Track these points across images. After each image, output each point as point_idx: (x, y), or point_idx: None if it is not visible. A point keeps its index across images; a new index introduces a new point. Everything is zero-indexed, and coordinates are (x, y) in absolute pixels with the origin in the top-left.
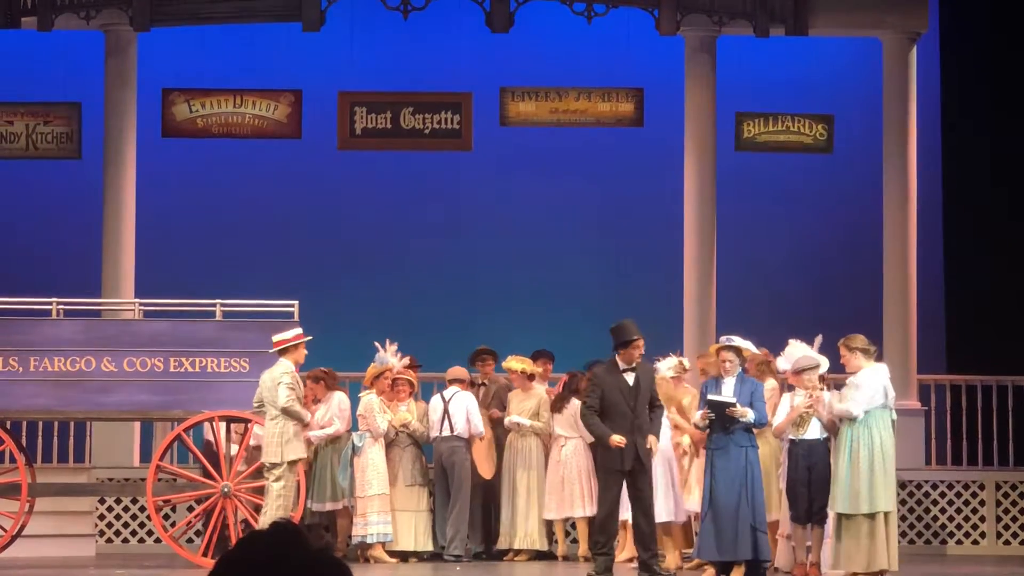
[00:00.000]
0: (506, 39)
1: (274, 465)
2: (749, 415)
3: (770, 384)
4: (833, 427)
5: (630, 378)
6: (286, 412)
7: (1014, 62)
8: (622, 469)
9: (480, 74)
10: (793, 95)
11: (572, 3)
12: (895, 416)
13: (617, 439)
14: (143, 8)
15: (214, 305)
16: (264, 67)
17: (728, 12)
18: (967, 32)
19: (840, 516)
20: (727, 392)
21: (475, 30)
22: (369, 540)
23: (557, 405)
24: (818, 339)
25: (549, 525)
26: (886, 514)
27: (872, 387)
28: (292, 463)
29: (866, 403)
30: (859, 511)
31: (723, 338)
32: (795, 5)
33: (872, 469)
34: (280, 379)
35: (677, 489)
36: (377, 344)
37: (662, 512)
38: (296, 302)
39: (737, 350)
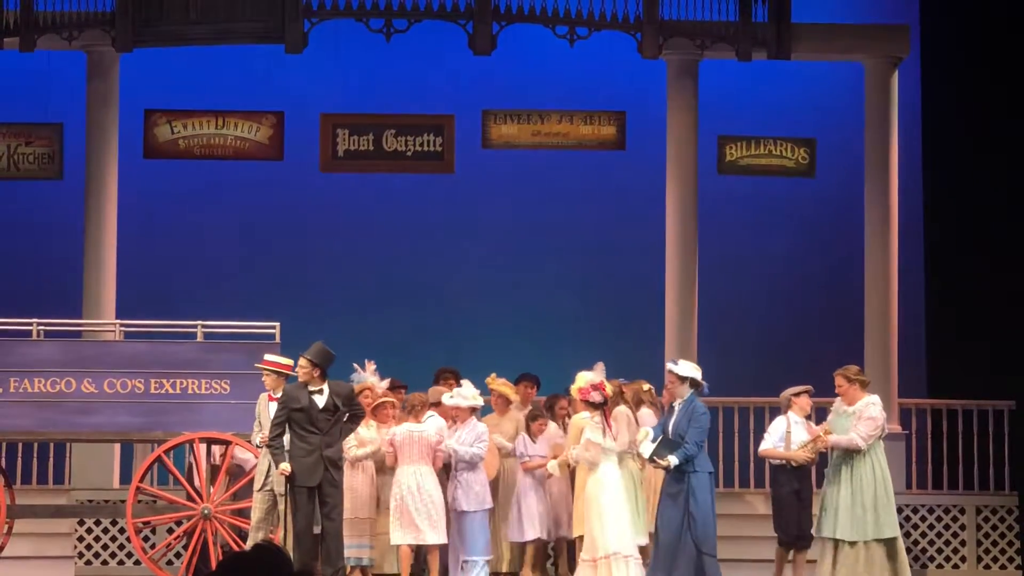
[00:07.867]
0: (488, 62)
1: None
2: (672, 460)
3: (622, 409)
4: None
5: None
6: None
7: (995, 87)
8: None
9: (462, 97)
10: (775, 119)
11: (555, 26)
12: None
13: None
14: (125, 29)
15: (195, 327)
16: (246, 89)
17: (710, 36)
18: (948, 57)
19: (839, 543)
20: (675, 418)
21: (458, 53)
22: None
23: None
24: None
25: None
26: (894, 540)
27: (878, 421)
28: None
29: (872, 436)
30: (865, 538)
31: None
32: (777, 29)
33: (876, 496)
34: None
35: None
36: (356, 365)
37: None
38: (278, 324)
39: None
